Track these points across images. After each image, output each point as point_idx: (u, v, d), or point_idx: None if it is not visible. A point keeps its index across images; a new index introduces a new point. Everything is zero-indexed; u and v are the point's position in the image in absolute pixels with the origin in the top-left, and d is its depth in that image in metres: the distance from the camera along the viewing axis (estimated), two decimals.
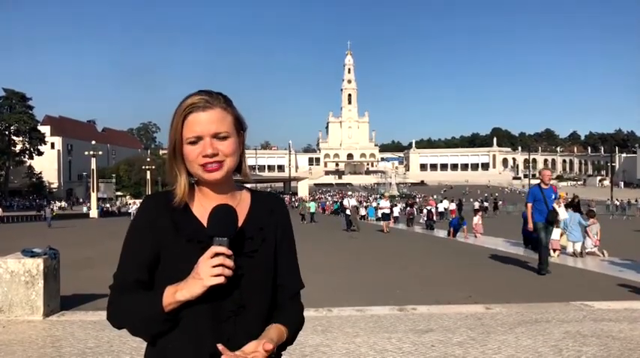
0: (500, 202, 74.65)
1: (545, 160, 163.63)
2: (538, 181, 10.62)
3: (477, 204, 45.15)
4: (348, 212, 27.09)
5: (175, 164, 1.39)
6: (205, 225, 1.34)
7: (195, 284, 1.25)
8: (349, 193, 42.04)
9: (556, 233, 14.27)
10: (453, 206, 42.17)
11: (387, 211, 26.16)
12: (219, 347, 1.23)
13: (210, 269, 1.23)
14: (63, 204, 73.18)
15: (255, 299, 1.36)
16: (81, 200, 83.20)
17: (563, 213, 10.62)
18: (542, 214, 9.94)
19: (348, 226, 25.95)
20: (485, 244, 17.90)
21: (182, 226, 1.36)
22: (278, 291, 1.47)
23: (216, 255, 1.25)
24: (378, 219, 36.14)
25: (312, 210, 37.28)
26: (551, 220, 9.97)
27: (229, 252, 1.26)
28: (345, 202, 28.71)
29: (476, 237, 20.60)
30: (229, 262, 1.25)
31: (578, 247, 13.89)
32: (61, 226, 32.94)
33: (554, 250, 14.04)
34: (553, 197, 10.13)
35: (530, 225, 10.15)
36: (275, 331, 1.37)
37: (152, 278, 1.38)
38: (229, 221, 1.30)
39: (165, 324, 1.30)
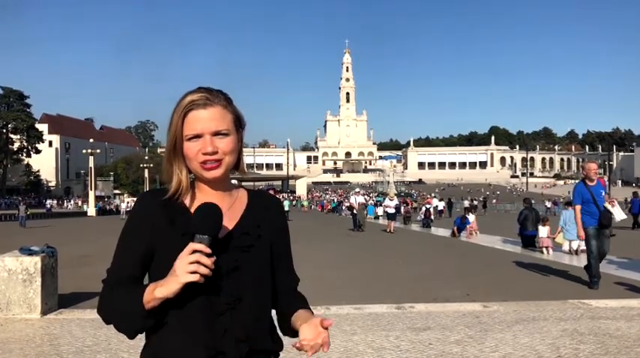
0: (495, 200, 74.86)
1: (543, 159, 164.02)
2: (582, 177, 8.94)
3: (466, 203, 45.14)
4: (355, 211, 24.99)
5: (175, 160, 1.39)
6: None
7: (172, 281, 1.25)
8: (357, 190, 41.04)
9: (544, 231, 14.34)
10: (442, 204, 42.35)
11: (393, 211, 24.66)
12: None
13: (186, 266, 1.23)
14: (51, 201, 71.85)
15: (251, 292, 1.37)
16: (73, 198, 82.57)
17: (619, 214, 8.54)
18: (594, 216, 8.36)
19: (356, 226, 24.09)
20: (483, 242, 17.95)
21: (177, 221, 1.37)
22: (283, 284, 1.50)
23: (194, 252, 1.24)
24: (376, 218, 36.19)
25: (287, 208, 37.79)
26: (607, 223, 8.39)
27: (207, 250, 1.24)
28: (352, 199, 26.74)
29: (472, 234, 20.64)
30: (206, 260, 1.24)
31: (574, 245, 13.94)
32: (38, 226, 30.92)
33: (546, 247, 14.11)
34: (603, 193, 8.56)
35: (581, 232, 8.59)
36: (306, 312, 1.45)
37: (145, 273, 1.40)
38: (212, 219, 1.30)
39: (146, 321, 1.30)
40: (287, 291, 1.52)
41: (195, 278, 1.22)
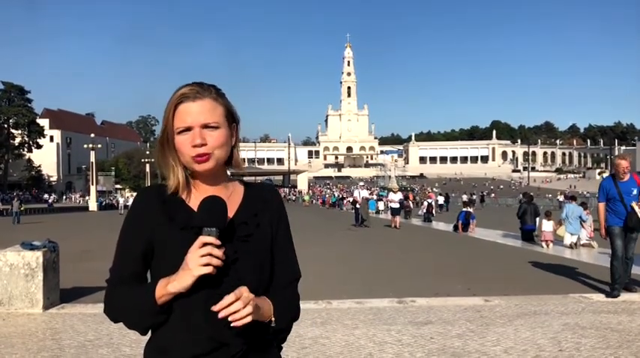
0: (493, 195, 75.08)
1: (545, 153, 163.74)
2: (612, 173, 7.95)
3: (465, 197, 45.06)
4: (358, 206, 24.43)
5: (169, 154, 1.40)
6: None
7: (185, 275, 1.26)
8: (361, 184, 40.13)
9: (548, 224, 14.36)
10: (442, 199, 42.47)
11: (397, 206, 24.05)
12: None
13: (198, 259, 1.24)
14: (48, 196, 71.28)
15: (251, 282, 1.35)
16: (75, 194, 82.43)
17: None
18: (619, 216, 7.46)
19: (359, 221, 23.55)
20: (484, 237, 17.97)
21: (175, 216, 1.38)
22: (275, 279, 1.45)
23: (205, 245, 1.25)
24: (377, 212, 36.18)
25: None
26: (633, 225, 7.40)
27: (217, 242, 1.26)
28: (356, 194, 26.00)
29: (474, 230, 20.65)
30: (217, 252, 1.25)
31: (575, 239, 13.96)
32: (32, 222, 30.15)
33: (547, 241, 14.12)
34: (635, 192, 7.50)
35: (603, 231, 7.71)
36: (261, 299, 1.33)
37: (147, 269, 1.40)
38: (219, 212, 1.31)
39: (158, 317, 1.32)
40: (279, 283, 1.45)
41: (208, 270, 1.24)
